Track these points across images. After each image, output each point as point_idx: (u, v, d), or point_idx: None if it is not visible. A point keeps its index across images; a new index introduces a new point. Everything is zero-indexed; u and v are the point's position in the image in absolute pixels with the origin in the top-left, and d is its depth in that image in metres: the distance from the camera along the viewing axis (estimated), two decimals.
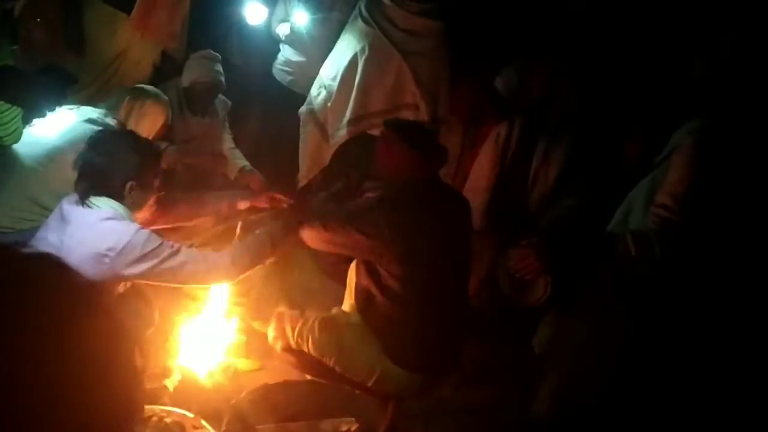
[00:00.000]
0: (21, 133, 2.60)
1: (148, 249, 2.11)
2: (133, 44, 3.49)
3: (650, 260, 2.14)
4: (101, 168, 2.14)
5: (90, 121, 2.74)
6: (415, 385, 2.47)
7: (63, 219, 2.15)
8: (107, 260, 2.06)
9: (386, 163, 2.50)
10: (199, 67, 3.53)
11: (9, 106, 2.51)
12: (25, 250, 0.62)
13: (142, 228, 2.15)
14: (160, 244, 2.14)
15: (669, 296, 2.15)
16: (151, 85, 3.61)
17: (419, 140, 2.46)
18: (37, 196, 2.56)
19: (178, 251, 2.16)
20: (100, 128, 2.65)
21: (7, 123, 2.54)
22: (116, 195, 2.16)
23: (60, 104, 2.75)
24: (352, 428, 2.30)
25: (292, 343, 2.51)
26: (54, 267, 0.62)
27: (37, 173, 2.60)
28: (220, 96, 3.75)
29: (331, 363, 2.45)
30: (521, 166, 3.37)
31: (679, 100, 2.35)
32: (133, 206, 2.20)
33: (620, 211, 2.37)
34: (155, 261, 2.11)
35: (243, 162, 3.78)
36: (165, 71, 3.71)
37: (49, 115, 2.70)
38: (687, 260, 2.15)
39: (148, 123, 2.88)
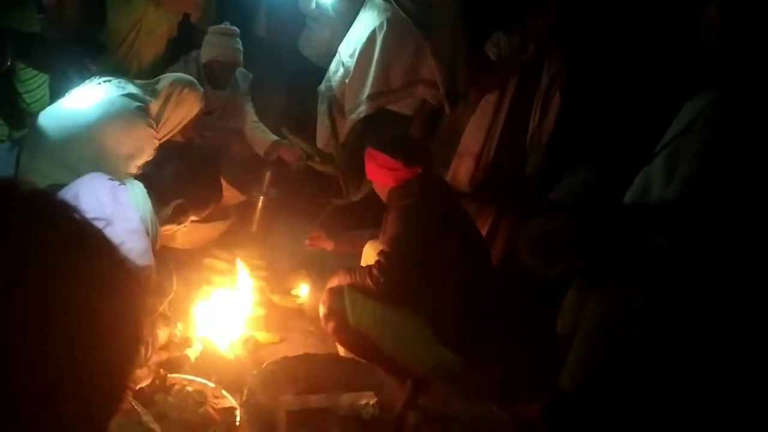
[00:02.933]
0: (47, 101, 2.62)
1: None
2: (148, 14, 3.49)
3: (674, 231, 2.11)
4: (162, 176, 2.25)
5: (129, 95, 2.75)
6: (457, 368, 2.53)
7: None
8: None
9: (376, 179, 2.74)
10: (216, 44, 3.51)
11: (36, 73, 2.52)
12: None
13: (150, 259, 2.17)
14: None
15: (690, 273, 2.12)
16: (173, 56, 3.63)
17: (395, 147, 2.66)
18: (73, 165, 2.57)
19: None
20: (139, 104, 2.71)
21: (34, 90, 2.57)
22: (159, 199, 2.23)
23: (88, 73, 2.77)
24: (371, 402, 2.30)
25: (351, 320, 2.56)
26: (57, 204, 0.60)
27: (74, 142, 2.61)
28: (241, 69, 3.73)
29: (387, 348, 2.53)
30: (517, 129, 3.38)
31: (692, 65, 2.33)
32: (165, 219, 2.26)
33: (637, 185, 2.35)
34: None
35: (272, 136, 3.77)
36: (191, 42, 3.69)
37: (87, 84, 2.72)
38: (709, 236, 2.12)
39: (185, 110, 2.90)
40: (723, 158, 2.11)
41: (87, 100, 2.71)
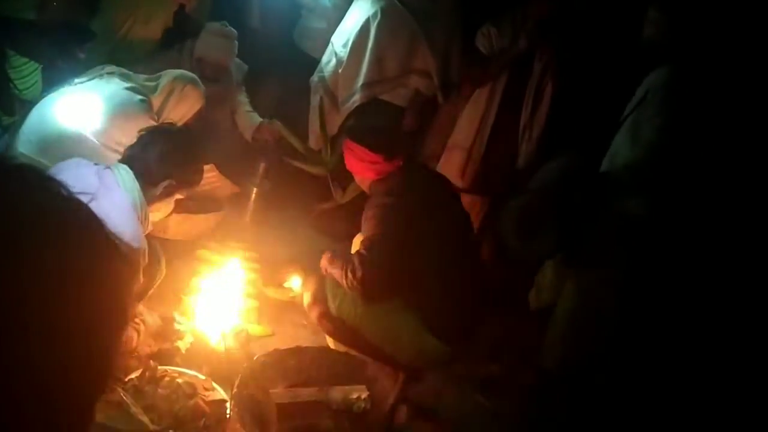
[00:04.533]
0: (39, 88, 2.61)
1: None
2: (144, 3, 3.45)
3: (642, 194, 2.14)
4: (148, 157, 2.23)
5: (132, 89, 2.76)
6: (445, 358, 2.51)
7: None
8: None
9: (356, 171, 2.70)
10: (212, 44, 3.44)
11: (27, 60, 2.51)
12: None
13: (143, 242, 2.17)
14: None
15: (665, 236, 2.14)
16: (168, 45, 3.60)
17: (374, 140, 2.60)
18: (71, 153, 2.56)
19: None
20: (143, 98, 2.71)
21: (26, 76, 2.56)
22: (146, 181, 2.21)
23: (76, 62, 2.75)
24: (363, 396, 2.30)
25: (333, 310, 2.55)
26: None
27: (78, 133, 2.61)
28: (236, 60, 3.69)
29: (370, 337, 2.51)
30: (508, 123, 3.37)
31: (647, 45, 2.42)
32: (153, 199, 2.24)
33: (606, 160, 2.42)
34: None
35: (257, 119, 3.72)
36: (185, 31, 3.65)
37: (89, 76, 2.74)
38: (677, 197, 2.16)
39: (186, 107, 2.90)
40: (678, 119, 2.22)
41: (91, 90, 2.71)
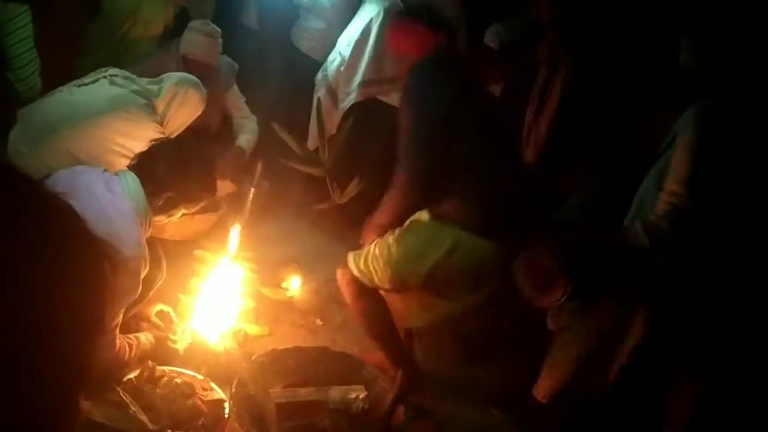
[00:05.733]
0: (39, 89, 2.61)
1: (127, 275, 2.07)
2: (145, 3, 3.45)
3: (663, 250, 2.08)
4: (156, 168, 2.23)
5: (136, 92, 2.77)
6: (500, 258, 2.41)
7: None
8: None
9: (400, 48, 2.64)
10: (193, 41, 3.37)
11: (28, 61, 2.52)
12: None
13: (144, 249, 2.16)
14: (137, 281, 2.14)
15: (688, 294, 2.11)
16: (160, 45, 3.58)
17: (421, 12, 2.61)
18: (73, 155, 2.56)
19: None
20: (146, 101, 2.74)
21: (26, 78, 2.57)
22: (151, 191, 2.21)
23: None
24: (361, 396, 2.31)
25: (358, 268, 2.51)
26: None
27: (81, 133, 2.61)
28: (226, 58, 3.60)
29: (406, 271, 2.44)
30: (510, 124, 3.36)
31: (680, 82, 2.30)
32: (156, 210, 2.25)
33: (635, 203, 2.31)
34: None
35: (239, 142, 3.67)
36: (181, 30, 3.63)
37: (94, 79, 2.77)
38: (704, 252, 2.10)
39: (189, 111, 2.90)
40: (702, 168, 2.05)
41: (94, 93, 2.72)
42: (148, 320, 2.56)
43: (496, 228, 2.40)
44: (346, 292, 2.59)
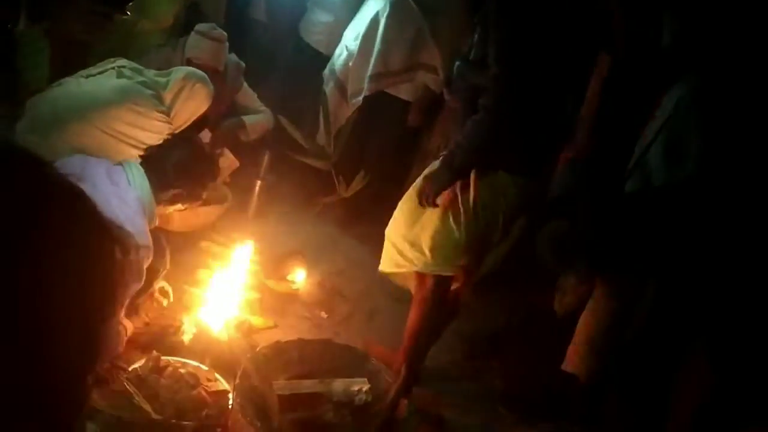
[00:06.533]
0: (47, 76, 2.63)
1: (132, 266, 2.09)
2: None
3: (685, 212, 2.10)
4: (167, 164, 2.28)
5: (143, 83, 2.78)
6: (515, 191, 2.42)
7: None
8: None
9: None
10: (198, 46, 3.31)
11: (38, 47, 2.53)
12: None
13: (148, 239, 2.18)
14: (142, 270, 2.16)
15: (700, 270, 2.12)
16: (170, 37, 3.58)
17: None
18: (81, 144, 2.58)
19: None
20: (153, 92, 2.75)
21: (36, 66, 2.59)
22: (157, 185, 2.24)
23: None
24: (364, 389, 2.31)
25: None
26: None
27: (87, 122, 2.63)
28: (233, 58, 3.54)
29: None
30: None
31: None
32: (161, 202, 2.28)
33: (636, 178, 2.32)
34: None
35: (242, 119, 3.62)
36: (192, 24, 3.62)
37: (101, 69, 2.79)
38: (713, 225, 2.12)
39: (195, 105, 2.90)
40: (718, 138, 2.12)
41: (102, 84, 2.74)
42: (151, 296, 2.58)
43: (532, 167, 2.43)
44: (425, 299, 2.57)
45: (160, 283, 2.61)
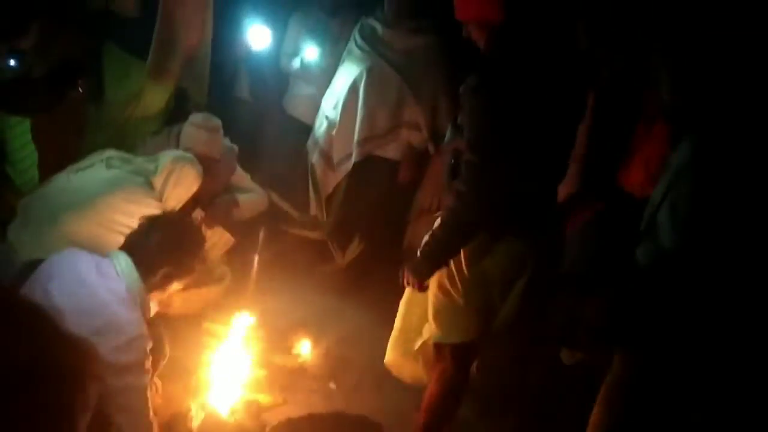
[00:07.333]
0: (36, 181, 2.65)
1: (132, 353, 2.06)
2: (147, 88, 3.53)
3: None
4: (149, 246, 2.23)
5: (135, 172, 2.82)
6: (510, 254, 2.37)
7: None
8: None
9: (472, 15, 2.27)
10: (194, 136, 3.28)
11: (26, 153, 2.57)
12: None
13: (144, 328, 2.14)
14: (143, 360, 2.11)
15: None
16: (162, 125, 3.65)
17: None
18: (76, 239, 2.58)
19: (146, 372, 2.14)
20: (144, 180, 2.79)
21: (24, 171, 2.61)
22: (145, 269, 2.21)
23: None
24: None
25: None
26: None
27: (82, 216, 2.64)
28: (226, 143, 3.47)
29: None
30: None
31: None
32: (153, 286, 2.25)
33: (648, 245, 2.19)
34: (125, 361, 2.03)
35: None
36: (183, 110, 3.68)
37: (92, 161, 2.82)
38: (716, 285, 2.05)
39: (185, 187, 2.93)
40: (707, 204, 2.01)
41: (92, 177, 2.76)
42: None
43: (524, 227, 2.36)
44: (445, 370, 2.51)
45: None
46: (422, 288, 2.39)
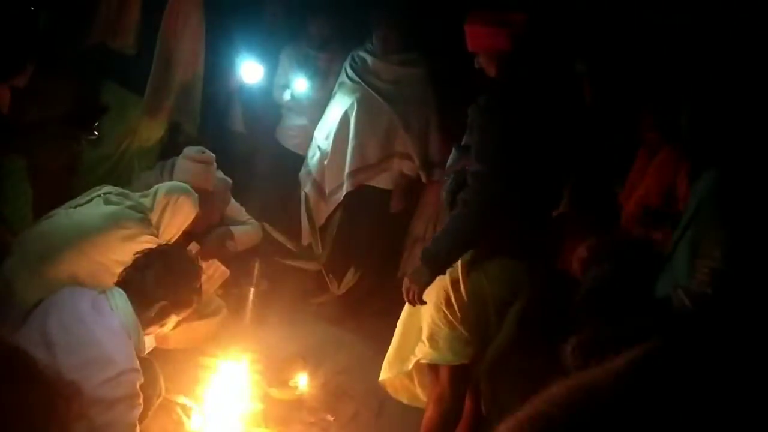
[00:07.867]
0: (29, 220, 2.66)
1: (121, 388, 2.04)
2: (143, 123, 3.56)
3: (708, 315, 2.01)
4: (144, 280, 2.24)
5: (131, 207, 2.82)
6: (506, 276, 2.41)
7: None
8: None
9: (483, 46, 2.43)
10: (188, 170, 3.30)
11: (18, 193, 2.58)
12: None
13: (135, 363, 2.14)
14: (133, 395, 2.09)
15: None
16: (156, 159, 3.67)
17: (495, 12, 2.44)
18: (75, 277, 2.57)
19: (136, 408, 2.11)
20: (141, 215, 2.79)
21: (17, 211, 2.61)
22: (141, 304, 2.21)
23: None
24: None
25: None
26: None
27: (80, 255, 2.64)
28: (220, 176, 3.52)
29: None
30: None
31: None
32: (149, 321, 2.25)
33: (666, 281, 2.15)
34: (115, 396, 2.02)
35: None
36: (177, 144, 3.70)
37: (88, 198, 2.83)
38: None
39: (181, 218, 2.94)
40: (733, 239, 1.94)
41: (90, 213, 2.77)
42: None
43: (522, 249, 2.42)
44: (442, 395, 2.49)
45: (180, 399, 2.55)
46: (421, 299, 2.39)
